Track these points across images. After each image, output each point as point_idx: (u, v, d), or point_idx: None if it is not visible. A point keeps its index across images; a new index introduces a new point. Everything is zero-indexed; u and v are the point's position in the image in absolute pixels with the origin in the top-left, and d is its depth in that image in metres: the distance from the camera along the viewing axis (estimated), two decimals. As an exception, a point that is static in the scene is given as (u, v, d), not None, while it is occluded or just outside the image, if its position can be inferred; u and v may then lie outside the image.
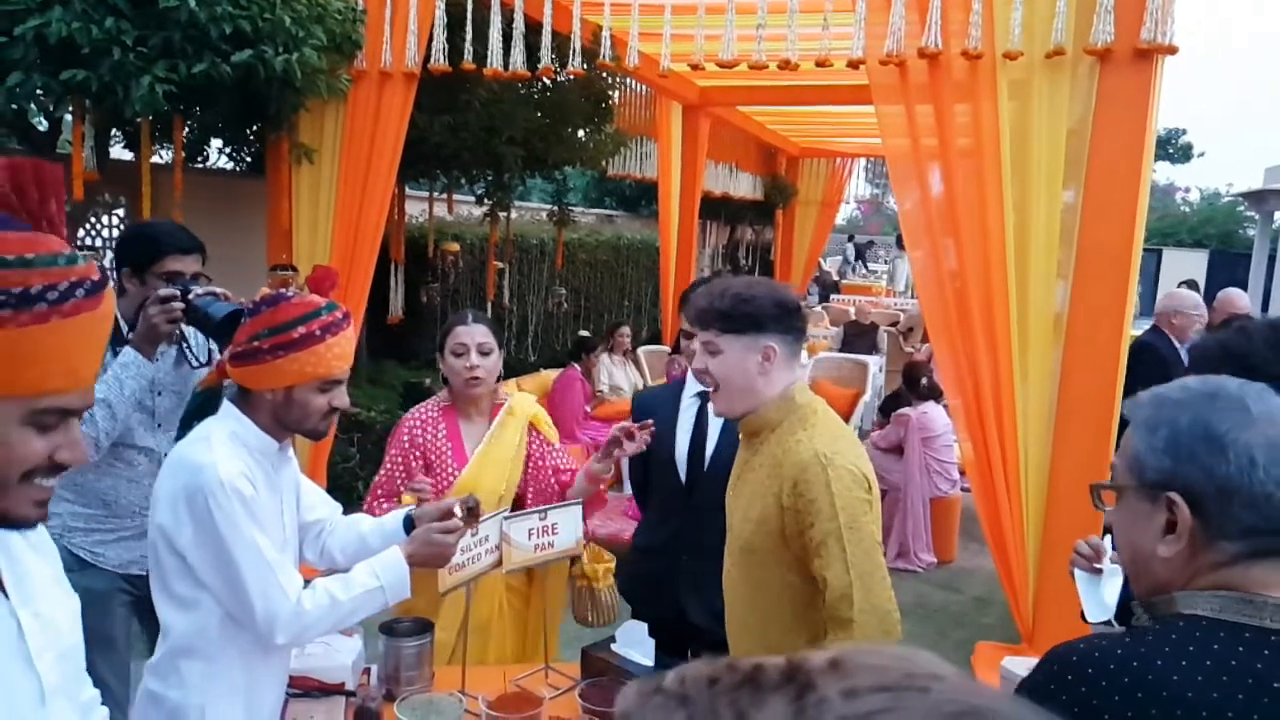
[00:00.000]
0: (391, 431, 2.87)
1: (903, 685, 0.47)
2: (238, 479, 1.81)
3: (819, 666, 0.48)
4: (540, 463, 2.87)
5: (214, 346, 2.69)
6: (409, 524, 2.20)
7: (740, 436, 2.19)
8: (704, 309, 2.08)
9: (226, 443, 1.85)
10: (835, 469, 1.93)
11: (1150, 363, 4.57)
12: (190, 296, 2.45)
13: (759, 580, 2.08)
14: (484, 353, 2.73)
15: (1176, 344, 5.06)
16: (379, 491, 2.77)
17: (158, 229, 2.82)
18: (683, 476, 2.85)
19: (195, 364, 2.69)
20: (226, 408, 1.92)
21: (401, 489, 2.71)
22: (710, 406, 2.77)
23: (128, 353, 2.48)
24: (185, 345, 2.66)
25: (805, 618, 2.03)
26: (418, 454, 2.76)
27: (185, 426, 1.98)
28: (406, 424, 2.82)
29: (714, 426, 2.84)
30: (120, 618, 2.69)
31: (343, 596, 1.92)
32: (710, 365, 2.07)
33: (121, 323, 2.63)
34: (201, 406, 1.98)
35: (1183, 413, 1.10)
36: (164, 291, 2.45)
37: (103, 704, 1.85)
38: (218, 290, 2.53)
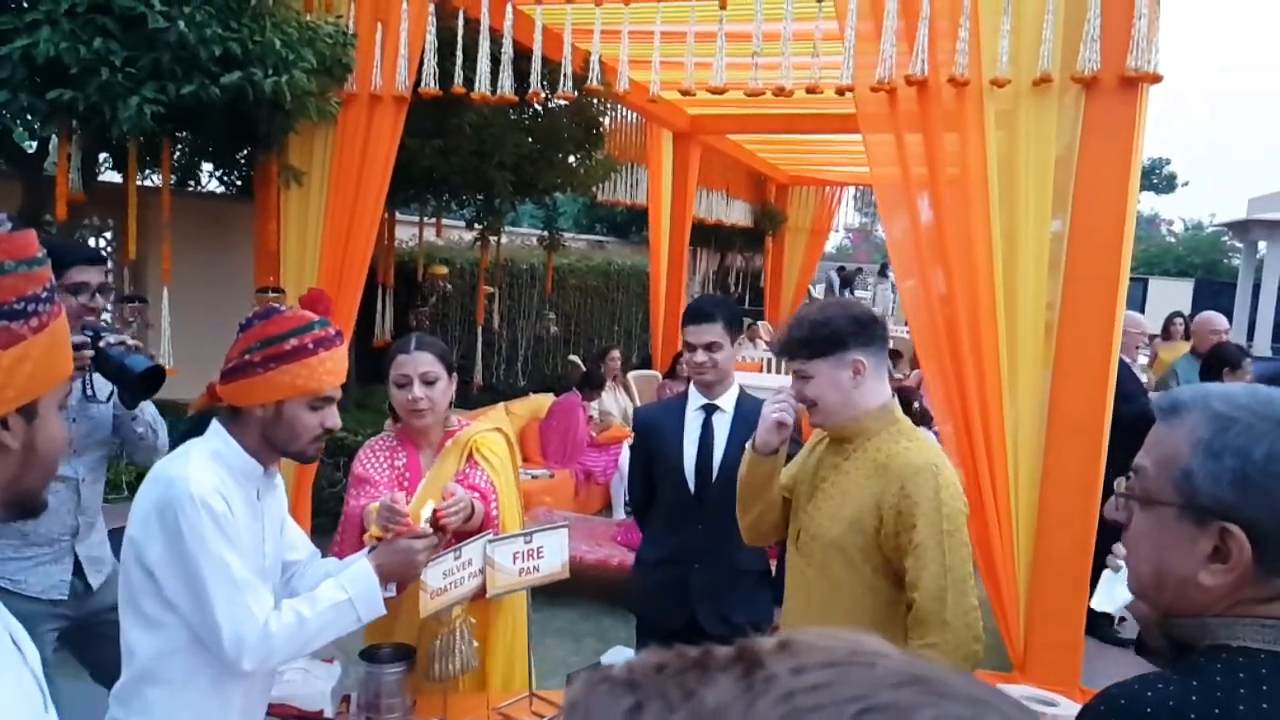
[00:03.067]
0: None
1: (848, 661, 0.48)
2: (210, 494, 1.76)
3: (768, 648, 0.49)
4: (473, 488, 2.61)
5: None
6: None
7: (825, 443, 2.27)
8: (786, 341, 2.20)
9: (206, 460, 1.81)
10: (944, 478, 2.04)
11: None
12: (101, 344, 2.37)
13: (840, 580, 2.14)
14: (428, 382, 2.52)
15: (1127, 361, 5.31)
16: (342, 535, 2.61)
17: (56, 244, 2.83)
18: (692, 488, 2.93)
19: (98, 400, 2.60)
20: (213, 427, 1.89)
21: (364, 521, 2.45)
22: (713, 416, 2.87)
23: None
24: (88, 378, 2.54)
25: (884, 621, 2.08)
26: (368, 488, 2.57)
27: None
28: (359, 460, 2.67)
29: (720, 438, 2.93)
30: (47, 643, 2.60)
31: (309, 614, 1.86)
32: (806, 390, 2.16)
33: None
34: (191, 432, 1.95)
35: (1256, 443, 1.01)
36: (76, 339, 2.31)
37: None
38: (128, 340, 2.46)
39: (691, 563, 2.91)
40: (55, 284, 1.03)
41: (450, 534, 2.24)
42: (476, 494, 2.52)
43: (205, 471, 1.79)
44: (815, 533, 2.20)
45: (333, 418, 1.89)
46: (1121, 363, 5.18)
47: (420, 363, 2.53)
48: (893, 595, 2.08)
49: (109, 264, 2.73)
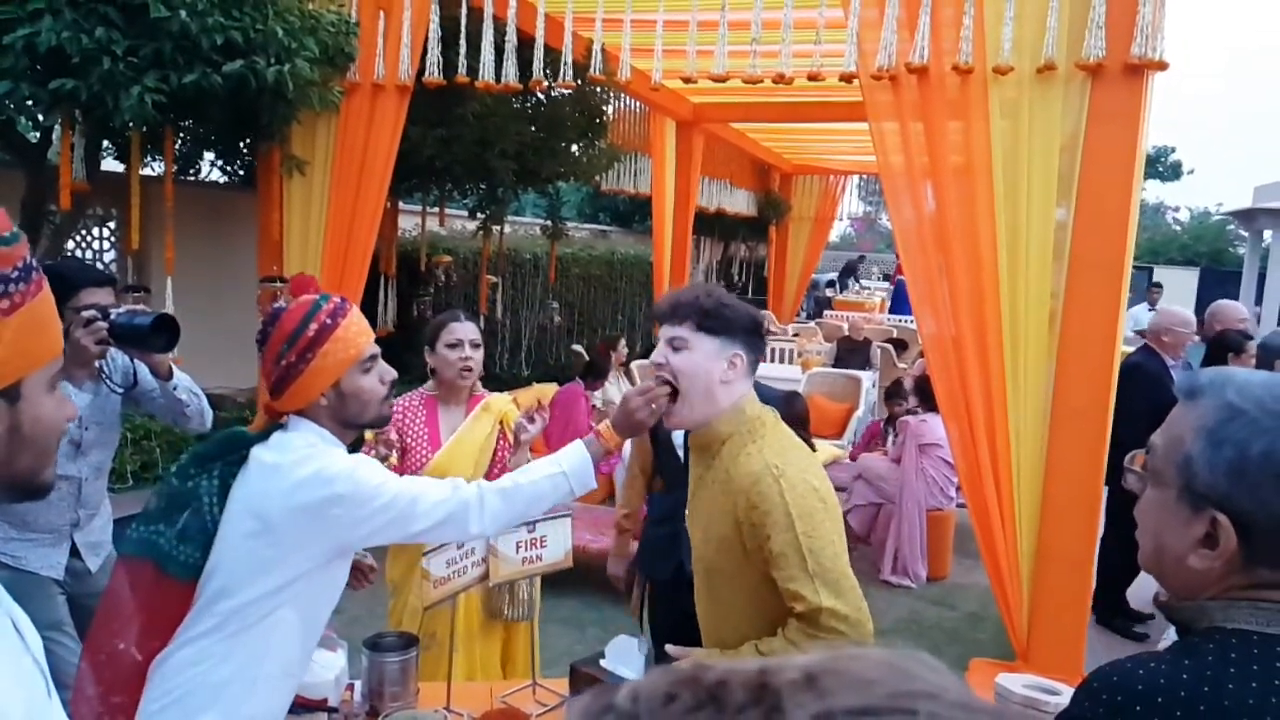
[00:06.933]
0: None
1: (886, 708, 0.42)
2: (347, 461, 1.85)
3: (792, 681, 0.43)
4: (502, 458, 3.01)
5: (137, 366, 2.72)
6: None
7: (691, 453, 2.13)
8: (685, 303, 2.00)
9: (320, 444, 1.85)
10: (788, 479, 1.89)
11: (1140, 382, 4.53)
12: (110, 317, 2.45)
13: (730, 601, 2.04)
14: (475, 346, 3.00)
15: (1169, 362, 4.96)
16: None
17: (68, 266, 2.96)
18: (681, 455, 3.03)
19: (117, 389, 2.69)
20: (295, 422, 1.89)
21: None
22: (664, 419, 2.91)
23: None
24: (104, 373, 2.67)
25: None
26: (396, 436, 2.96)
27: (210, 459, 1.89)
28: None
29: None
30: (61, 603, 2.73)
31: (523, 480, 1.97)
32: (673, 360, 1.99)
33: None
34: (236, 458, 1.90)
35: (1256, 438, 1.02)
36: (86, 314, 2.45)
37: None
38: (135, 307, 2.56)
39: (681, 520, 2.96)
40: (32, 262, 0.98)
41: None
42: None
43: (328, 455, 1.84)
44: (698, 554, 2.11)
45: (387, 371, 1.95)
46: (1161, 364, 4.96)
47: (469, 330, 3.01)
48: (783, 607, 1.94)
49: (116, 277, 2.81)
